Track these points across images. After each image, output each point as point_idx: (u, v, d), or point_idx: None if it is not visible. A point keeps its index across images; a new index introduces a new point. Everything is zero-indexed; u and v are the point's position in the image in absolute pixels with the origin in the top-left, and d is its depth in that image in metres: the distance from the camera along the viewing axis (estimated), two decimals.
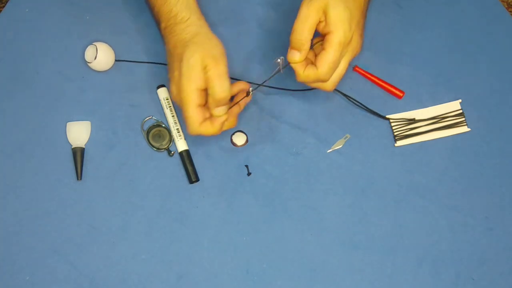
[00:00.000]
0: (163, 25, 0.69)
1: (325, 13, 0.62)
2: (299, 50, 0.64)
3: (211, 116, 0.65)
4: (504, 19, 0.80)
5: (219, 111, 0.64)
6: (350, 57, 0.65)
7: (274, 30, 0.78)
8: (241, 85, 0.72)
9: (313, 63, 0.65)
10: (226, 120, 0.66)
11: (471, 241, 0.70)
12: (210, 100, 0.64)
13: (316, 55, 0.66)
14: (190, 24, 0.67)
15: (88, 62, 0.73)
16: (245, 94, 0.69)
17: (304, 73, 0.64)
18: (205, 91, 0.64)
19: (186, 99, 0.63)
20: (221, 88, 0.63)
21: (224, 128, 0.67)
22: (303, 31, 0.63)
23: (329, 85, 0.66)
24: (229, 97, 0.64)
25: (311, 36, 0.63)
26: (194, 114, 0.64)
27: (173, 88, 0.66)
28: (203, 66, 0.63)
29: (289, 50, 0.65)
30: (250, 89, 0.69)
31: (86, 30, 0.77)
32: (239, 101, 0.69)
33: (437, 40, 0.79)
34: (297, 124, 0.74)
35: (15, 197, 0.70)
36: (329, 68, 0.63)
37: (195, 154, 0.72)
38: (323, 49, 0.64)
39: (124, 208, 0.70)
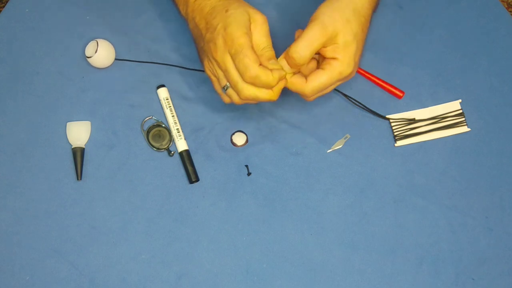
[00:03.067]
0: None
1: (334, 40, 0.62)
2: (294, 68, 0.63)
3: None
4: (504, 19, 0.80)
5: (271, 64, 0.62)
6: (340, 83, 0.65)
7: (274, 30, 0.78)
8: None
9: (301, 72, 0.64)
10: (283, 79, 0.64)
11: (471, 241, 0.70)
12: (259, 54, 0.63)
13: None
14: None
15: (88, 57, 0.73)
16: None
17: (291, 79, 0.64)
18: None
19: (241, 40, 0.61)
20: (265, 33, 0.63)
21: (279, 85, 0.64)
22: (305, 55, 0.62)
23: (311, 98, 0.66)
24: (272, 48, 0.63)
25: (310, 59, 0.63)
26: (252, 52, 0.61)
27: (217, 44, 0.63)
28: (249, 18, 0.63)
29: (281, 58, 0.64)
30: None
31: (86, 30, 0.77)
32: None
33: (437, 40, 0.79)
34: (297, 124, 0.74)
35: (15, 197, 0.70)
36: (318, 88, 0.63)
37: (195, 154, 0.72)
38: (321, 68, 0.63)
39: (124, 208, 0.70)
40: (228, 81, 0.64)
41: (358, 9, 0.64)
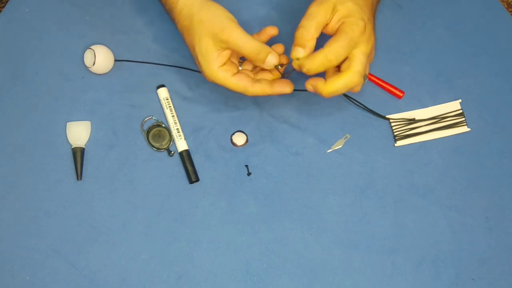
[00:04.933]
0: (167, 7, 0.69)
1: (334, 10, 0.62)
2: (303, 46, 0.63)
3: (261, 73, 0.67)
4: (504, 19, 0.80)
5: (271, 59, 0.64)
6: (365, 51, 0.64)
7: None
8: (269, 30, 0.70)
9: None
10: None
11: (471, 241, 0.70)
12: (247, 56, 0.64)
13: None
14: (183, 7, 0.66)
15: (88, 67, 0.73)
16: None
17: (329, 85, 0.63)
18: (230, 53, 0.66)
19: (218, 80, 0.64)
20: (248, 45, 0.63)
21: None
22: (310, 27, 0.62)
23: (327, 93, 0.64)
24: (263, 46, 0.64)
25: (317, 35, 0.63)
26: (235, 83, 0.65)
27: (206, 77, 0.66)
28: (218, 43, 0.63)
29: (292, 47, 0.64)
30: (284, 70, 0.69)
31: (86, 30, 0.77)
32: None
33: (437, 40, 0.79)
34: (297, 124, 0.74)
35: (15, 197, 0.70)
36: (338, 52, 0.62)
37: (195, 154, 0.72)
38: (342, 71, 0.63)
39: (124, 208, 0.70)
40: (234, 90, 0.66)
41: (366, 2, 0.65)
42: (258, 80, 0.67)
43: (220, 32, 0.63)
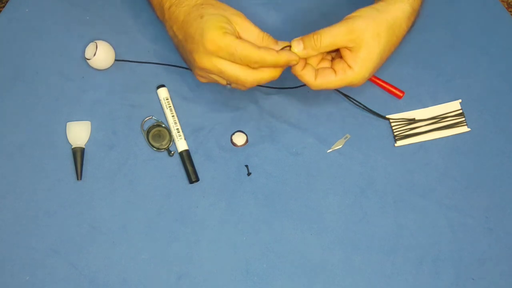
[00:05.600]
0: (167, 4, 0.67)
1: (357, 45, 0.61)
2: (306, 48, 0.62)
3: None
4: (504, 19, 0.80)
5: (297, 44, 0.62)
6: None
7: (274, 30, 0.78)
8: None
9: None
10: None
11: (471, 241, 0.70)
12: (256, 43, 0.62)
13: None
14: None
15: (87, 59, 0.73)
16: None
17: (303, 71, 0.63)
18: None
19: (224, 42, 0.60)
20: (251, 27, 0.62)
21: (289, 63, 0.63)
22: (325, 41, 0.61)
23: (315, 87, 0.65)
24: (264, 35, 0.63)
25: (325, 50, 0.62)
26: (243, 43, 0.60)
27: (199, 53, 0.62)
28: (227, 18, 0.62)
29: (297, 39, 0.63)
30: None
31: (86, 30, 0.77)
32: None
33: (437, 40, 0.79)
34: (297, 124, 0.74)
35: (15, 197, 0.70)
36: (325, 87, 0.63)
37: (195, 154, 0.72)
38: (333, 68, 0.63)
39: (124, 208, 0.70)
40: (227, 80, 0.64)
41: (394, 27, 0.63)
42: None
43: (234, 15, 0.63)
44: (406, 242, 0.70)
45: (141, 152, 0.72)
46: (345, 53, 0.63)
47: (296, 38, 0.63)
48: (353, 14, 0.63)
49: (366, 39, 0.61)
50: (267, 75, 0.63)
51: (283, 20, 0.79)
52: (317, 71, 0.64)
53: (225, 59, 0.62)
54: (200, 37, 0.61)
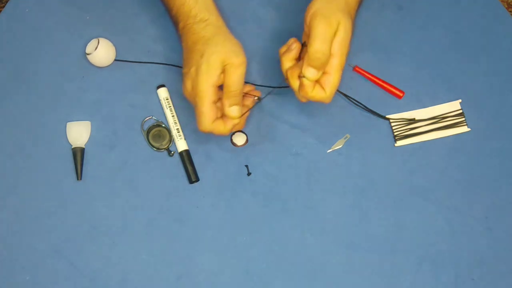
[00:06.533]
0: (181, 24, 0.69)
1: (337, 30, 0.62)
2: (318, 69, 0.63)
3: (223, 116, 0.66)
4: (504, 19, 0.80)
5: (235, 111, 0.65)
6: (342, 64, 0.65)
7: (274, 30, 0.78)
8: (247, 87, 0.72)
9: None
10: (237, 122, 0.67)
11: (471, 241, 0.70)
12: (225, 93, 0.64)
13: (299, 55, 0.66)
14: (210, 24, 0.67)
15: (88, 54, 0.73)
16: (251, 97, 0.70)
17: (312, 93, 0.64)
18: (219, 90, 0.65)
19: (202, 94, 0.63)
20: (237, 77, 0.63)
21: (233, 129, 0.68)
22: (325, 49, 0.62)
23: (328, 96, 0.66)
24: (241, 92, 0.65)
25: (330, 53, 0.63)
26: (208, 110, 0.64)
27: (188, 84, 0.65)
28: (223, 64, 0.63)
29: (305, 66, 0.63)
30: (261, 96, 0.71)
31: (86, 30, 0.77)
32: (251, 107, 0.70)
33: (437, 40, 0.78)
34: (297, 124, 0.74)
35: (15, 197, 0.70)
36: (334, 89, 0.65)
37: (195, 154, 0.72)
38: (326, 73, 0.64)
39: (124, 208, 0.70)
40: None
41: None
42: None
43: (233, 54, 0.64)
44: (406, 242, 0.70)
45: (141, 152, 0.72)
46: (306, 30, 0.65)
47: (304, 68, 0.63)
48: (313, 10, 0.64)
49: (340, 19, 0.62)
50: (217, 132, 0.66)
51: (283, 20, 0.79)
52: (315, 83, 0.65)
53: (193, 104, 0.66)
54: (194, 73, 0.64)
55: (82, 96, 0.74)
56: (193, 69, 0.65)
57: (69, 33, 0.77)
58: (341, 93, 0.75)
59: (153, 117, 0.74)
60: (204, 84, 0.63)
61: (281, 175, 0.72)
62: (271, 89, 0.75)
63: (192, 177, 0.71)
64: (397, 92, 0.75)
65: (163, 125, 0.73)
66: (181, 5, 0.68)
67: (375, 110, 0.74)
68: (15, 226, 0.69)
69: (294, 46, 0.66)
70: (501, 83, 0.77)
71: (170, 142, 0.72)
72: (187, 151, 0.72)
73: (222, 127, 0.66)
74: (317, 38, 0.61)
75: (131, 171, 0.71)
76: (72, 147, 0.71)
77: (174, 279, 0.68)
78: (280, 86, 0.73)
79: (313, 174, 0.72)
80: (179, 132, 0.73)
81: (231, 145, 0.73)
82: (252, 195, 0.71)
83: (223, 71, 0.64)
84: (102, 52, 0.73)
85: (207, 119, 0.64)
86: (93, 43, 0.74)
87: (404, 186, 0.72)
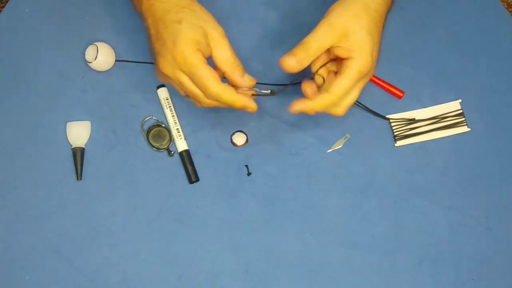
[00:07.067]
0: None
1: (345, 37, 0.60)
2: (299, 61, 0.60)
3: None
4: (504, 19, 0.80)
5: (248, 78, 0.61)
6: (363, 84, 0.63)
7: (274, 30, 0.78)
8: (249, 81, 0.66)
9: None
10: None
11: (471, 241, 0.70)
12: (226, 69, 0.60)
13: (319, 87, 0.63)
14: None
15: (89, 62, 0.73)
16: (266, 90, 0.66)
17: (315, 100, 0.61)
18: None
19: (192, 57, 0.58)
20: (229, 47, 0.60)
21: (246, 107, 0.63)
22: (312, 47, 0.59)
23: (341, 109, 0.63)
24: (234, 59, 0.61)
25: (316, 55, 0.61)
26: (208, 69, 0.58)
27: (167, 57, 0.59)
28: (205, 34, 0.59)
29: (286, 55, 0.60)
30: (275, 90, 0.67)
31: (86, 30, 0.77)
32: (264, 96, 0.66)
33: (437, 40, 0.78)
34: (297, 124, 0.74)
35: (15, 197, 0.70)
36: (343, 92, 0.61)
37: (195, 154, 0.72)
38: (339, 73, 0.61)
39: (124, 208, 0.70)
40: (186, 93, 0.63)
41: (368, 4, 0.62)
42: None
43: (212, 28, 0.60)
44: (406, 242, 0.70)
45: (141, 152, 0.72)
46: (340, 50, 0.61)
47: (285, 55, 0.61)
48: (326, 13, 0.62)
49: (348, 26, 0.60)
50: (224, 105, 0.62)
51: (283, 20, 0.79)
52: (323, 89, 0.62)
53: (188, 75, 0.60)
54: (172, 45, 0.59)
55: (82, 96, 0.74)
56: (169, 41, 0.59)
57: (69, 33, 0.77)
58: None
59: (153, 117, 0.74)
60: (190, 47, 0.58)
61: (281, 175, 0.72)
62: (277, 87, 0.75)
63: (192, 177, 0.71)
64: (397, 92, 0.75)
65: (163, 125, 0.73)
66: None
67: (375, 110, 0.74)
68: (15, 226, 0.69)
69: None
70: (501, 83, 0.77)
71: (170, 142, 0.72)
72: (187, 151, 0.72)
73: (233, 93, 0.60)
74: (310, 37, 0.60)
75: (131, 171, 0.71)
76: (72, 147, 0.71)
77: (174, 279, 0.68)
78: (293, 83, 0.70)
79: (313, 174, 0.72)
80: (179, 132, 0.73)
81: (231, 145, 0.73)
82: (252, 195, 0.71)
83: (207, 45, 0.59)
84: (102, 59, 0.73)
85: (212, 78, 0.59)
86: (91, 50, 0.73)
87: (404, 186, 0.72)
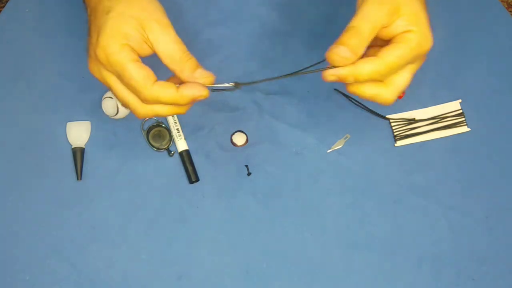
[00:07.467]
0: None
1: (397, 13, 0.50)
2: (352, 49, 0.49)
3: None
4: (504, 19, 0.80)
5: (202, 73, 0.50)
6: (417, 68, 0.55)
7: (274, 30, 0.78)
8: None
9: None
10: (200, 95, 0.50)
11: (471, 241, 0.70)
12: (172, 64, 0.50)
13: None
14: None
15: (111, 116, 0.70)
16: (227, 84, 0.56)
17: (358, 64, 0.50)
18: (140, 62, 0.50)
19: (116, 58, 0.48)
20: (174, 37, 0.49)
21: (197, 98, 0.50)
22: (363, 30, 0.49)
23: (389, 92, 0.53)
24: (183, 53, 0.50)
25: (370, 40, 0.50)
26: (137, 67, 0.48)
27: (91, 57, 0.50)
28: (141, 24, 0.49)
29: (333, 45, 0.50)
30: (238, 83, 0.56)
31: (86, 30, 0.77)
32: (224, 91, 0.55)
33: (437, 40, 0.78)
34: (297, 124, 0.74)
35: (15, 197, 0.70)
36: (396, 61, 0.49)
37: (195, 154, 0.72)
38: (393, 42, 0.51)
39: (124, 208, 0.70)
40: (117, 100, 0.54)
41: None
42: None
43: (151, 20, 0.49)
44: (406, 242, 0.70)
45: (141, 152, 0.72)
46: (389, 31, 0.51)
47: (332, 47, 0.51)
48: None
49: (399, 1, 0.50)
50: (165, 111, 0.52)
51: (283, 20, 0.79)
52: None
53: (116, 76, 0.51)
54: (96, 40, 0.50)
55: (82, 96, 0.74)
56: (95, 34, 0.50)
57: (69, 33, 0.77)
58: (341, 93, 0.75)
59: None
60: (114, 42, 0.48)
61: (281, 175, 0.72)
62: (272, 89, 0.75)
63: (192, 177, 0.71)
64: None
65: (163, 125, 0.73)
66: None
67: (375, 110, 0.74)
68: (15, 226, 0.69)
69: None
70: (501, 83, 0.77)
71: (170, 142, 0.72)
72: (187, 151, 0.72)
73: (172, 90, 0.49)
74: (358, 15, 0.50)
75: (131, 171, 0.71)
76: (72, 147, 0.71)
77: (174, 279, 0.68)
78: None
79: (313, 174, 0.72)
80: (179, 132, 0.73)
81: (231, 145, 0.73)
82: (252, 195, 0.71)
83: (145, 39, 0.50)
84: (125, 110, 0.70)
85: (143, 78, 0.48)
86: (109, 103, 0.68)
87: (404, 186, 0.72)
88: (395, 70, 0.51)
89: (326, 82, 0.52)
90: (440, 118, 0.75)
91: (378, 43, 0.53)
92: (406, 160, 0.73)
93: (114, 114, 0.70)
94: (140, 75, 0.48)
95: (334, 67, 0.51)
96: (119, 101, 0.53)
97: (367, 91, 0.53)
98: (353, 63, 0.50)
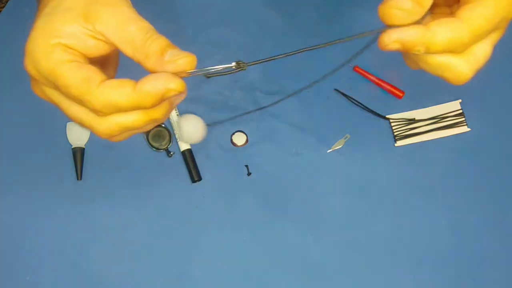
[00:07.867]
0: None
1: None
2: (417, 1, 0.36)
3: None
4: None
5: (175, 54, 0.37)
6: (498, 39, 0.42)
7: (274, 30, 0.78)
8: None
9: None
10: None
11: (471, 241, 0.70)
12: (135, 48, 0.37)
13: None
14: None
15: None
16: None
17: (431, 27, 0.36)
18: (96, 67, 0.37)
19: (44, 61, 0.36)
20: (121, 17, 0.38)
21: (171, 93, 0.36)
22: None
23: (467, 66, 0.41)
24: (145, 33, 0.39)
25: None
26: (74, 71, 0.35)
27: (26, 69, 0.38)
28: (86, 10, 0.37)
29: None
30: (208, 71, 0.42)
31: None
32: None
33: None
34: (297, 124, 0.74)
35: (15, 197, 0.70)
36: (484, 25, 0.36)
37: (195, 154, 0.72)
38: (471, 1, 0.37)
39: (124, 208, 0.70)
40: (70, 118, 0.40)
41: None
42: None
43: (102, 5, 0.37)
44: (406, 242, 0.70)
45: (141, 152, 0.72)
46: None
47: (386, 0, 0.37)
48: None
49: None
50: (132, 121, 0.37)
51: (283, 20, 0.79)
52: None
53: (55, 89, 0.38)
54: (34, 29, 0.38)
55: None
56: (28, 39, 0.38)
57: None
58: (341, 93, 0.75)
59: None
60: (42, 43, 0.36)
61: (281, 175, 0.72)
62: (272, 89, 0.74)
63: (195, 176, 0.71)
64: (397, 92, 0.75)
65: (163, 125, 0.73)
66: None
67: (375, 110, 0.74)
68: (15, 226, 0.69)
69: None
70: (501, 83, 0.76)
71: (170, 142, 0.72)
72: (189, 150, 0.72)
73: (128, 90, 0.35)
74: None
75: (131, 171, 0.71)
76: (72, 147, 0.71)
77: (174, 279, 0.68)
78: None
79: (313, 174, 0.72)
80: None
81: (231, 145, 0.73)
82: (252, 195, 0.71)
83: (93, 33, 0.37)
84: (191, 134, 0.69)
85: (81, 82, 0.35)
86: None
87: (404, 186, 0.72)
88: (481, 37, 0.38)
89: (385, 51, 0.39)
90: (440, 118, 0.75)
91: (441, 2, 0.39)
92: (406, 160, 0.73)
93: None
94: (77, 77, 0.35)
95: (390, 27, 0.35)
96: (74, 122, 0.40)
97: (438, 58, 0.40)
98: (426, 23, 0.36)
